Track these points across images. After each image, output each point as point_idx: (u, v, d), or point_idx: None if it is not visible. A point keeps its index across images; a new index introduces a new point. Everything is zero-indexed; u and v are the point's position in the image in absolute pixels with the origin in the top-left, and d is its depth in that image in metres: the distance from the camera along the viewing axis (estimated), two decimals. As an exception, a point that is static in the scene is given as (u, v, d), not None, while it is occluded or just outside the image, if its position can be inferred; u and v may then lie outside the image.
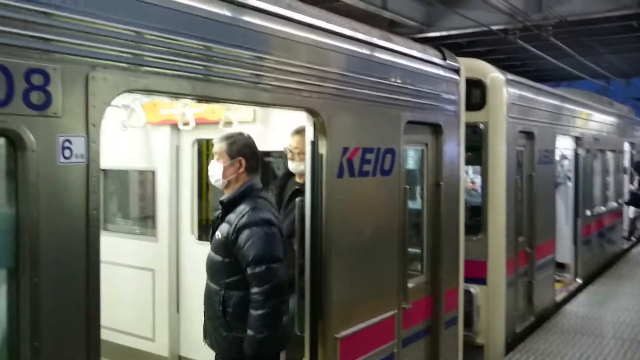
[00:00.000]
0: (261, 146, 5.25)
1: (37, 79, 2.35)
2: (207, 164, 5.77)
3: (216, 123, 5.12)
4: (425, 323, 5.26)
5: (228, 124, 4.98)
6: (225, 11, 3.24)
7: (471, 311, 6.63)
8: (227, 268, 3.68)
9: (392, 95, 4.60)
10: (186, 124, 4.98)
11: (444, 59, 5.53)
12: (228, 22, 3.25)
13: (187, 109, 4.92)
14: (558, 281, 9.51)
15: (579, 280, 9.88)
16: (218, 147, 3.85)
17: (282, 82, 3.60)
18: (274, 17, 3.60)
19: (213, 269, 3.79)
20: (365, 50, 4.35)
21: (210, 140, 5.61)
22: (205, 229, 5.87)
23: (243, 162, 3.81)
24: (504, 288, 6.73)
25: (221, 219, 3.80)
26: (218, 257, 3.73)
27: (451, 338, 5.54)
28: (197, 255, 5.21)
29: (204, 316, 3.94)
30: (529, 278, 7.56)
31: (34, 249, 2.38)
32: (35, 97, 2.35)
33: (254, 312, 3.51)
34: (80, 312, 2.56)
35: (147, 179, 6.07)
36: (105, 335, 5.74)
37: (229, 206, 3.77)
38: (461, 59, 6.45)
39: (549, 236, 8.36)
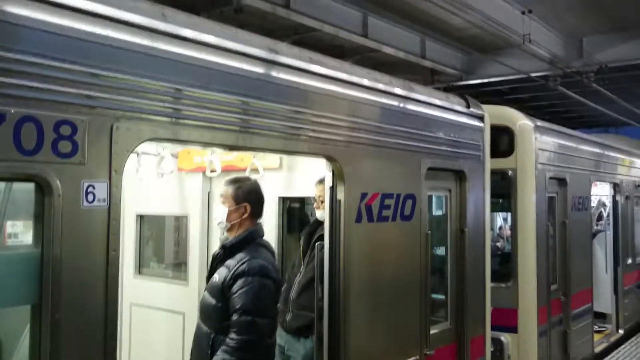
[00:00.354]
0: (287, 192, 5.48)
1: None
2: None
3: (245, 170, 5.33)
4: (451, 370, 5.23)
5: (254, 170, 5.19)
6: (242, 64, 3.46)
7: (502, 360, 6.53)
8: (219, 312, 3.69)
9: (412, 142, 4.72)
10: (213, 171, 5.21)
11: (468, 106, 5.64)
12: (248, 75, 3.47)
13: (214, 157, 5.16)
14: (598, 332, 9.24)
15: (621, 332, 9.56)
16: (224, 190, 3.94)
17: (301, 131, 3.78)
18: (294, 70, 3.82)
19: (206, 311, 3.83)
20: (384, 100, 4.52)
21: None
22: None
23: (248, 207, 3.90)
24: (536, 337, 6.61)
25: (220, 262, 3.86)
26: (212, 300, 3.74)
27: (478, 386, 5.47)
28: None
29: (191, 355, 3.97)
30: (564, 327, 7.39)
31: (56, 286, 2.56)
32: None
33: (220, 356, 3.53)
34: (99, 348, 2.72)
35: (181, 224, 6.30)
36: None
37: (229, 251, 3.83)
38: (490, 107, 6.56)
39: (586, 285, 8.18)
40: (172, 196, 6.09)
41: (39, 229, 2.59)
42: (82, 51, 2.67)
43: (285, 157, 5.35)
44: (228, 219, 3.89)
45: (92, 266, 2.70)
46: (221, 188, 4.00)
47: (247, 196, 3.93)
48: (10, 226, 4.05)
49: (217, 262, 3.92)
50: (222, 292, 3.68)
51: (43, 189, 2.57)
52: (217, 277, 3.77)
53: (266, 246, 3.98)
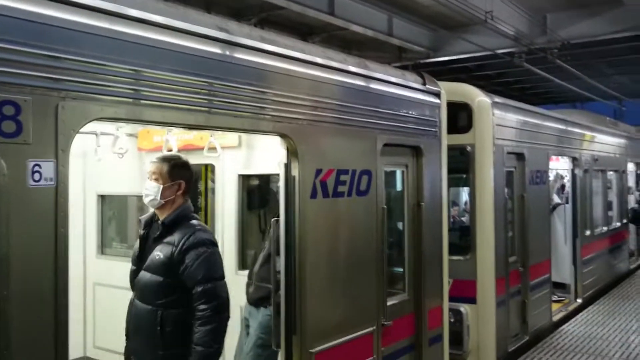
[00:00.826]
0: (246, 170, 5.54)
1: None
2: (206, 187, 6.10)
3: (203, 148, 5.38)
4: (409, 340, 5.39)
5: (212, 149, 5.24)
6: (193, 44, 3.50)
7: (461, 330, 6.74)
8: (165, 287, 3.73)
9: (367, 119, 4.81)
10: (170, 150, 5.24)
11: (424, 83, 5.74)
12: (198, 54, 3.51)
13: (171, 136, 5.19)
14: (557, 301, 9.55)
15: (579, 301, 9.89)
16: (157, 167, 3.90)
17: (255, 109, 3.84)
18: (246, 49, 3.86)
19: (147, 289, 3.79)
20: (338, 77, 4.58)
21: (209, 165, 5.91)
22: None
23: (183, 184, 3.92)
24: (494, 307, 6.83)
25: (157, 239, 3.86)
26: (156, 277, 3.75)
27: (436, 355, 5.65)
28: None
29: (129, 337, 3.98)
30: (522, 297, 7.63)
31: (3, 264, 2.61)
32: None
33: (202, 328, 3.60)
34: (49, 326, 2.78)
35: (143, 204, 6.30)
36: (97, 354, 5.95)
37: (167, 228, 3.84)
38: (448, 84, 6.68)
39: (545, 256, 8.44)
40: (133, 176, 6.11)
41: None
42: (24, 31, 2.68)
43: (244, 135, 5.40)
44: (162, 196, 3.86)
45: (40, 244, 2.74)
46: (151, 165, 3.94)
47: (182, 173, 3.95)
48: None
49: (150, 240, 3.91)
50: (169, 267, 3.72)
51: (5, 168, 2.60)
52: (160, 254, 3.76)
53: (199, 219, 4.04)
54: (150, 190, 3.87)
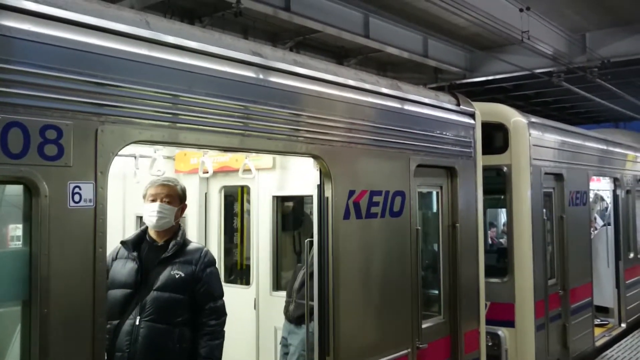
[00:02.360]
0: (280, 191, 5.60)
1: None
2: (242, 208, 6.18)
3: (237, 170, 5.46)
4: (445, 363, 5.32)
5: (247, 170, 5.31)
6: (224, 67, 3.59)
7: (500, 354, 6.60)
8: (186, 306, 3.83)
9: (400, 141, 4.82)
10: (205, 172, 5.34)
11: (458, 104, 5.73)
12: (234, 79, 3.59)
13: (206, 158, 5.29)
14: (600, 325, 9.28)
15: (623, 325, 9.58)
16: (171, 190, 4.02)
17: (289, 132, 3.90)
18: (280, 72, 3.94)
19: (164, 309, 3.79)
20: (370, 99, 4.62)
21: (245, 186, 5.99)
22: (230, 272, 6.18)
23: (185, 207, 4.13)
24: (533, 331, 6.67)
25: (168, 259, 3.89)
26: (178, 296, 3.81)
27: (473, 379, 5.56)
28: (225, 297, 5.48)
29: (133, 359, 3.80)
30: (563, 321, 7.44)
31: (44, 282, 2.70)
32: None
33: (212, 343, 3.82)
34: (87, 342, 2.85)
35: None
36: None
37: (168, 247, 3.93)
38: (483, 104, 6.66)
39: (586, 279, 8.23)
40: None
41: (27, 228, 2.73)
42: (66, 58, 2.80)
43: (278, 157, 5.47)
44: (175, 218, 4.00)
45: (80, 263, 2.83)
46: (159, 188, 4.02)
47: (186, 196, 4.16)
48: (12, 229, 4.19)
49: (153, 261, 3.91)
50: (190, 286, 3.85)
51: (31, 191, 2.70)
52: (180, 273, 3.84)
53: None
54: (166, 212, 3.94)
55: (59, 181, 2.76)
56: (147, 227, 4.05)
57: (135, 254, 3.94)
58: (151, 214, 3.94)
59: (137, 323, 3.78)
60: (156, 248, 3.97)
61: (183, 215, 4.11)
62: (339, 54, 14.10)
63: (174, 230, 4.01)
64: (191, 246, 4.03)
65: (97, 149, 2.89)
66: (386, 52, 13.44)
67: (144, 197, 4.05)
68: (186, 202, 4.14)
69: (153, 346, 3.78)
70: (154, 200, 3.97)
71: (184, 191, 4.12)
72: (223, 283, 5.92)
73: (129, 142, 3.06)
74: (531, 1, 11.34)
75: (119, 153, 3.01)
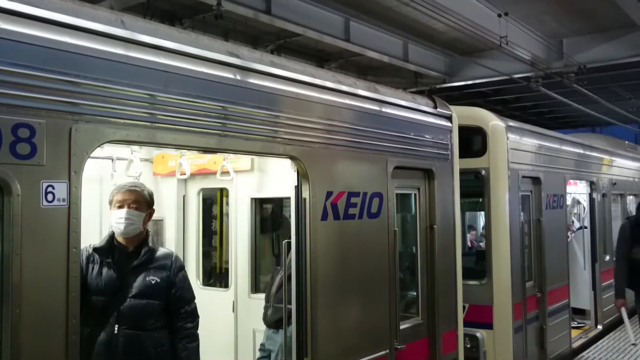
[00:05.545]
0: (258, 193, 5.59)
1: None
2: (220, 211, 6.16)
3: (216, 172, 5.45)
4: (423, 364, 5.34)
5: (225, 173, 5.30)
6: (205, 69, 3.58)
7: (478, 356, 6.65)
8: (162, 311, 3.85)
9: (378, 143, 4.84)
10: (183, 174, 5.32)
11: (435, 107, 5.77)
12: (210, 79, 3.59)
13: (184, 159, 5.27)
14: (577, 328, 9.39)
15: (600, 327, 9.70)
16: (139, 195, 3.94)
17: (266, 132, 3.90)
18: (258, 74, 3.94)
19: (142, 315, 3.76)
20: (348, 101, 4.64)
21: (224, 189, 5.98)
22: (210, 276, 6.15)
23: (153, 212, 4.08)
24: (511, 333, 6.73)
25: (141, 266, 3.86)
26: (155, 302, 3.80)
27: (450, 380, 5.59)
28: (201, 300, 5.45)
29: None
30: (540, 323, 7.52)
31: (17, 282, 2.67)
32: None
33: (190, 345, 3.89)
34: (60, 342, 2.82)
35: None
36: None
37: (139, 254, 3.89)
38: (462, 108, 6.73)
39: (563, 281, 8.32)
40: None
41: (-1, 228, 2.69)
42: (39, 57, 2.78)
43: (256, 159, 5.47)
44: (143, 223, 3.94)
45: (53, 263, 2.80)
46: (126, 194, 3.93)
47: (153, 201, 4.11)
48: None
49: (126, 268, 3.85)
50: (166, 291, 3.85)
51: (3, 190, 2.67)
52: (156, 279, 3.83)
53: None
54: (134, 218, 3.87)
55: (32, 180, 2.73)
56: (114, 233, 3.96)
57: (110, 260, 3.87)
58: (119, 220, 3.86)
59: (116, 332, 3.74)
60: (127, 255, 3.90)
61: (148, 220, 4.02)
62: (320, 57, 14.15)
63: (142, 236, 3.97)
64: (161, 251, 4.02)
65: (71, 148, 2.87)
66: (367, 56, 13.52)
67: (110, 203, 3.95)
68: (154, 207, 4.09)
69: (134, 353, 3.76)
70: (121, 207, 3.88)
71: (151, 196, 4.05)
72: (202, 286, 5.99)
73: (104, 142, 3.04)
74: (510, 7, 11.51)
75: (96, 155, 2.99)
